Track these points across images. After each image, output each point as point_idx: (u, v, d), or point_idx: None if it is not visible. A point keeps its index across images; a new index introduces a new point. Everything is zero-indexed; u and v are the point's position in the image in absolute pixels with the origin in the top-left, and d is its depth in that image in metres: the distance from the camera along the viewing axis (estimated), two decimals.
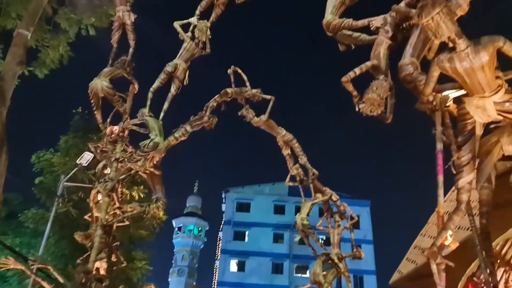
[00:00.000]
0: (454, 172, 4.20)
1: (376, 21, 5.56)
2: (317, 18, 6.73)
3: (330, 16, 6.36)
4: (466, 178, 4.08)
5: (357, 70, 5.12)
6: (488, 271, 4.10)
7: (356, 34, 6.11)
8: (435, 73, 4.15)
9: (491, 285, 4.04)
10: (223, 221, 44.79)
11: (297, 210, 12.56)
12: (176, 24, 9.10)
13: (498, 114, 3.99)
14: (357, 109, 5.21)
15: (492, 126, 4.45)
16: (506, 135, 4.27)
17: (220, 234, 46.45)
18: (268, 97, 10.77)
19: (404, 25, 5.44)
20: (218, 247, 47.76)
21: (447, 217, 4.08)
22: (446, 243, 3.88)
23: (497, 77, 3.94)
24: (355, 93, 5.15)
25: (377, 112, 5.10)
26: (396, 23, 5.39)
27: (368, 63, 5.23)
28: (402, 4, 5.17)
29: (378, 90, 4.99)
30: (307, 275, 36.70)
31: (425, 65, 5.20)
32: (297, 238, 39.76)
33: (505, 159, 4.76)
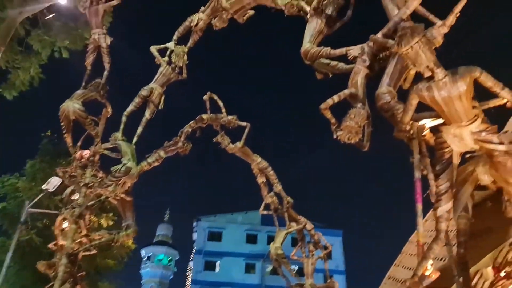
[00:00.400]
0: (432, 201, 4.19)
1: (353, 51, 5.63)
2: (295, 47, 6.81)
3: (308, 44, 6.42)
4: (445, 206, 4.07)
5: (336, 98, 5.12)
6: None
7: (333, 63, 6.18)
8: (414, 101, 4.19)
9: None
10: (194, 251, 43.77)
11: (270, 239, 12.43)
12: (153, 49, 9.03)
13: (475, 144, 4.03)
14: (335, 136, 5.19)
15: (468, 155, 4.50)
16: (482, 165, 4.30)
17: (191, 264, 45.29)
18: (243, 124, 10.75)
19: (381, 55, 5.53)
20: (188, 278, 46.46)
21: (426, 247, 4.03)
22: (427, 273, 3.81)
23: (474, 107, 4.00)
24: (333, 120, 5.14)
25: (354, 140, 5.10)
26: (373, 53, 5.47)
27: (346, 91, 5.26)
28: (379, 35, 5.27)
29: (356, 118, 5.00)
30: None
31: (401, 95, 5.31)
32: (270, 268, 39.17)
33: (480, 189, 4.81)
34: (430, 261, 3.86)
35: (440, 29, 4.66)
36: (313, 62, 6.37)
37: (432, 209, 4.24)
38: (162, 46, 9.13)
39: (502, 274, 11.05)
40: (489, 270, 6.72)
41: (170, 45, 9.13)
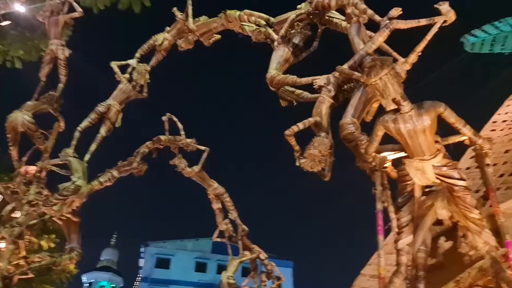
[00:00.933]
0: (394, 233, 4.17)
1: (319, 80, 5.67)
2: (260, 74, 6.80)
3: (274, 71, 6.43)
4: (406, 239, 4.06)
5: (301, 125, 5.11)
6: None
7: (298, 91, 6.20)
8: (380, 132, 4.22)
9: None
10: (139, 278, 41.91)
11: (220, 268, 12.11)
12: (114, 64, 8.76)
13: (436, 178, 4.08)
14: (297, 164, 5.15)
15: (427, 190, 4.55)
16: (440, 199, 4.35)
17: None
18: (202, 148, 10.57)
19: (346, 86, 5.60)
20: None
21: (387, 280, 3.97)
22: None
23: (437, 142, 4.08)
24: (297, 147, 5.10)
25: (317, 169, 5.08)
26: (338, 84, 5.53)
27: (311, 119, 5.25)
28: (345, 66, 5.34)
29: (320, 147, 5.00)
30: None
31: (363, 128, 5.38)
32: None
33: (435, 224, 4.85)
34: None
35: (403, 66, 4.79)
36: (278, 89, 6.37)
37: (393, 242, 4.22)
38: (123, 62, 8.89)
39: None
40: None
41: (132, 62, 8.90)
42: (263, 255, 11.19)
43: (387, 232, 4.33)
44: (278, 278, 11.68)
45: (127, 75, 8.85)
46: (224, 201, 10.95)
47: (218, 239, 11.40)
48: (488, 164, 4.22)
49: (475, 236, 3.94)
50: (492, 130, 7.83)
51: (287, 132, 5.00)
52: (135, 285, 42.98)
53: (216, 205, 10.97)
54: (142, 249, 42.90)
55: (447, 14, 4.79)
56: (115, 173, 8.58)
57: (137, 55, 9.04)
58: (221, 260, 36.03)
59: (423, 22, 4.91)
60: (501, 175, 6.28)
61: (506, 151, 6.57)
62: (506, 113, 8.51)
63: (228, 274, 10.66)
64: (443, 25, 4.91)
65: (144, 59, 9.17)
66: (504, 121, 7.82)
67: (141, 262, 42.85)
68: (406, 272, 4.00)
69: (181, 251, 42.17)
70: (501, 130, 7.61)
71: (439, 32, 4.93)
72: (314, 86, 5.80)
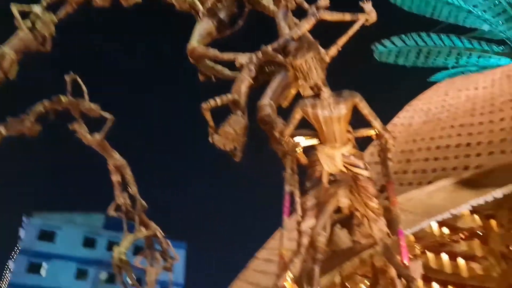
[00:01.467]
0: (298, 215, 4.27)
1: (242, 58, 5.56)
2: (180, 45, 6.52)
3: (196, 43, 6.19)
4: (309, 222, 4.18)
5: (218, 100, 4.98)
6: None
7: (219, 67, 6.07)
8: (298, 115, 4.28)
9: None
10: (18, 249, 38.63)
11: (111, 245, 11.55)
12: (14, 8, 7.74)
13: (344, 166, 4.25)
14: (210, 140, 5.05)
15: (333, 179, 4.72)
16: (343, 188, 4.55)
17: (11, 264, 39.81)
18: (107, 115, 9.90)
19: (267, 69, 5.58)
20: (6, 281, 40.71)
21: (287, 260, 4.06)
22: (286, 285, 3.83)
23: (348, 132, 4.23)
24: (211, 123, 4.98)
25: (230, 147, 5.03)
26: (260, 65, 5.48)
27: (230, 96, 5.14)
28: (269, 47, 5.30)
29: (235, 125, 4.95)
30: None
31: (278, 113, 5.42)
32: (104, 276, 36.77)
33: (336, 212, 5.08)
34: (290, 274, 3.89)
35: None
36: (198, 62, 6.16)
37: (296, 224, 4.31)
38: (26, 7, 7.90)
39: None
40: None
41: (37, 9, 7.95)
42: (160, 233, 10.91)
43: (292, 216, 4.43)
44: (172, 258, 11.51)
45: (29, 23, 7.89)
46: (125, 174, 10.42)
47: (114, 213, 10.84)
48: (389, 158, 4.50)
49: (371, 224, 4.18)
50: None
51: (204, 105, 4.84)
52: (12, 257, 39.51)
53: (115, 177, 10.39)
54: (24, 219, 39.55)
55: (370, 14, 4.97)
56: (2, 130, 7.66)
57: (44, 3, 8.11)
58: (113, 237, 34.64)
59: (347, 17, 5.05)
60: (395, 173, 6.82)
61: (402, 152, 7.18)
62: (404, 117, 9.38)
63: (121, 249, 10.22)
64: (365, 23, 5.10)
65: (52, 8, 8.26)
66: (402, 124, 8.55)
67: (22, 233, 39.54)
68: (305, 253, 4.12)
69: (69, 224, 39.73)
70: (399, 132, 8.29)
71: (360, 32, 5.13)
72: (236, 64, 5.69)
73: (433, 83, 15.04)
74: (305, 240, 4.12)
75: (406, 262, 3.78)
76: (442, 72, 18.12)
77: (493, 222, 12.09)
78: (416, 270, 3.92)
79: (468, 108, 9.48)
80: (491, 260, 12.29)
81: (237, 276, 10.82)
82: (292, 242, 4.22)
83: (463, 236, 12.77)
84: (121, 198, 10.48)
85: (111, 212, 10.68)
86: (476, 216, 12.07)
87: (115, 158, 10.28)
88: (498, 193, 7.29)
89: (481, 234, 12.40)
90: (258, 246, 11.47)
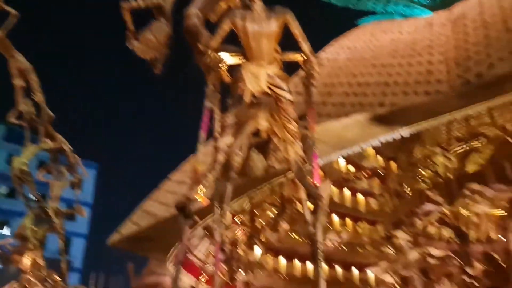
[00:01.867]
0: (216, 132, 4.18)
1: None
2: None
3: None
4: (226, 139, 4.11)
5: (141, 2, 4.55)
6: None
7: None
8: (226, 26, 4.05)
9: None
10: None
11: (11, 159, 10.66)
12: None
13: (267, 87, 4.15)
14: (129, 45, 4.68)
15: (255, 101, 4.63)
16: (264, 111, 4.49)
17: None
18: (12, 11, 8.71)
19: None
20: None
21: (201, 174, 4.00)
22: (198, 198, 3.80)
23: (276, 51, 4.10)
24: (131, 26, 4.58)
25: (149, 56, 4.75)
26: None
27: (155, 0, 4.72)
28: None
29: (157, 33, 4.65)
30: (4, 231, 32.55)
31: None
32: (4, 190, 34.78)
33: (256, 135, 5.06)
34: (203, 188, 3.85)
35: None
36: None
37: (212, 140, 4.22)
38: None
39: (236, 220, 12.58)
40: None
41: None
42: (67, 147, 10.28)
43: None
44: (80, 174, 11.02)
45: None
46: (30, 79, 9.43)
47: (16, 121, 9.90)
48: (314, 85, 4.49)
49: (288, 146, 4.21)
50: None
51: (124, 4, 4.39)
52: None
53: (18, 82, 9.33)
54: None
55: None
56: None
57: None
58: (15, 150, 32.23)
59: None
60: (315, 104, 6.94)
61: (324, 84, 7.31)
62: (329, 52, 9.52)
63: (22, 160, 9.50)
64: None
65: None
66: (327, 59, 8.68)
67: None
68: (220, 171, 4.09)
69: None
70: (324, 66, 8.40)
71: None
72: None
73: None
74: (221, 157, 4.07)
75: (316, 183, 3.90)
76: (370, 16, 18.50)
77: (393, 164, 13.25)
78: (325, 190, 4.07)
79: (391, 50, 9.85)
80: (386, 197, 13.61)
81: (148, 196, 10.76)
82: (207, 157, 4.15)
83: (365, 175, 13.91)
84: (23, 105, 9.53)
85: (12, 119, 9.69)
86: (379, 157, 13.12)
87: (19, 61, 9.21)
88: (406, 131, 7.85)
89: (381, 173, 13.57)
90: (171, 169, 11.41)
